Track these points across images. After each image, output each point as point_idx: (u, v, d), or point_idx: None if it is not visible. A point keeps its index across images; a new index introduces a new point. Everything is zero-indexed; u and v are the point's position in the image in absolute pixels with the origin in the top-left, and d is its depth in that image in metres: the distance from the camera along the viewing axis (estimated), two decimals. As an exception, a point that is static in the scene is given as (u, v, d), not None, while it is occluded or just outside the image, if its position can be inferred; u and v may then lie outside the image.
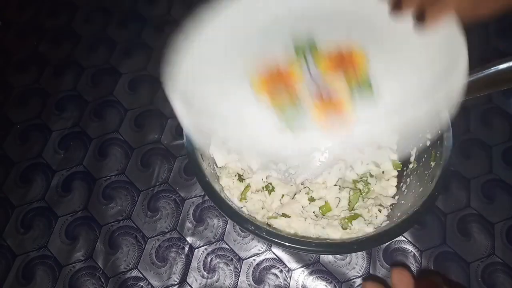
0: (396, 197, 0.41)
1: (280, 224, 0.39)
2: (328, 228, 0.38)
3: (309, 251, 0.33)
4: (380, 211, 0.40)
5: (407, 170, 0.42)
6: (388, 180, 0.43)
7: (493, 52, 0.58)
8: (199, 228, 0.47)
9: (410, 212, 0.35)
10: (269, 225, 0.39)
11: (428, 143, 0.40)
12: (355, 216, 0.39)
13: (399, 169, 0.43)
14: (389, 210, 0.40)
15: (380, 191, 0.43)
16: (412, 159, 0.42)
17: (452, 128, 0.37)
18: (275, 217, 0.39)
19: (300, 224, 0.39)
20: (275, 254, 0.46)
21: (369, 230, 0.38)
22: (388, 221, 0.39)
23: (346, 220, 0.39)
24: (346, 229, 0.39)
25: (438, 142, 0.38)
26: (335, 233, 0.38)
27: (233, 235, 0.47)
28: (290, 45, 0.34)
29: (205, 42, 0.34)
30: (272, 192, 0.41)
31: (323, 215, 0.40)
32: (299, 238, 0.35)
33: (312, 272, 0.45)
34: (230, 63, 0.34)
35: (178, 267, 0.45)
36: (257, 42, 0.34)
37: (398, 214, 0.38)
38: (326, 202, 0.40)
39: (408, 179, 0.42)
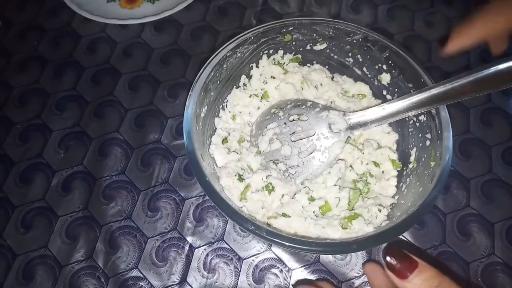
0: (396, 197, 0.41)
1: (280, 224, 0.39)
2: (328, 228, 0.38)
3: (309, 250, 0.33)
4: (380, 211, 0.40)
5: (407, 170, 0.42)
6: (388, 180, 0.43)
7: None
8: (199, 228, 0.47)
9: (410, 211, 0.35)
10: (269, 225, 0.39)
11: (428, 142, 0.40)
12: (355, 216, 0.39)
13: (399, 169, 0.43)
14: (389, 209, 0.40)
15: (380, 190, 0.43)
16: (412, 159, 0.42)
17: (452, 127, 0.38)
18: (275, 217, 0.39)
19: (300, 224, 0.39)
20: (275, 254, 0.46)
21: (369, 229, 0.38)
22: (388, 221, 0.39)
23: (346, 220, 0.39)
24: (346, 228, 0.39)
25: (438, 141, 0.38)
26: (335, 233, 0.38)
27: (233, 235, 0.47)
28: None
29: None
30: (272, 192, 0.41)
31: (323, 214, 0.40)
32: (299, 238, 0.35)
33: (312, 272, 0.45)
34: None
35: (178, 267, 0.45)
36: None
37: (398, 214, 0.38)
38: (326, 201, 0.41)
39: (408, 179, 0.42)
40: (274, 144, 0.43)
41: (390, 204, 0.41)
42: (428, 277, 0.28)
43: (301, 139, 0.43)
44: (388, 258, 0.29)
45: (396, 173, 0.43)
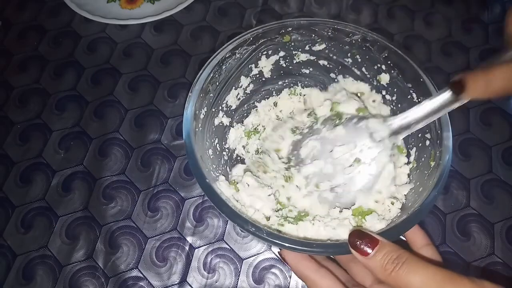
0: (411, 185, 0.41)
1: (289, 228, 0.39)
2: (339, 229, 0.38)
3: (311, 252, 0.33)
4: (393, 204, 0.39)
5: (408, 169, 0.42)
6: (400, 167, 0.43)
7: (493, 52, 0.58)
8: (199, 228, 0.47)
9: (410, 212, 0.35)
10: (279, 231, 0.38)
11: (427, 142, 0.40)
12: (369, 212, 0.39)
13: (406, 155, 0.43)
14: (403, 202, 0.39)
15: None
16: (411, 158, 0.42)
17: (452, 127, 0.37)
18: (282, 224, 0.39)
19: (309, 227, 0.38)
20: (275, 254, 0.46)
21: (381, 226, 0.37)
22: (401, 213, 0.38)
23: (360, 217, 0.39)
24: (359, 226, 0.38)
25: (438, 141, 0.38)
26: (346, 233, 0.37)
27: (233, 235, 0.47)
28: None
29: None
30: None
31: (354, 216, 0.39)
32: (301, 239, 0.35)
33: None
34: None
35: (178, 267, 0.45)
36: None
37: (399, 214, 0.38)
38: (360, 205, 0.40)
39: (408, 178, 0.42)
40: (316, 164, 0.41)
41: (406, 194, 0.40)
42: (388, 252, 0.28)
43: (343, 154, 0.40)
44: (351, 238, 0.30)
45: (406, 160, 0.43)
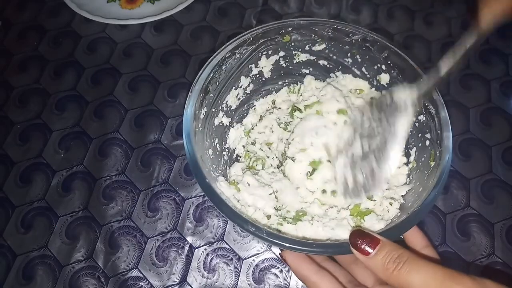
0: (409, 186, 0.41)
1: (288, 229, 0.39)
2: (337, 229, 0.38)
3: (310, 252, 0.33)
4: (391, 204, 0.39)
5: (407, 170, 0.42)
6: (399, 168, 0.43)
7: (493, 52, 0.58)
8: (199, 228, 0.47)
9: (410, 212, 0.35)
10: (279, 230, 0.39)
11: (427, 142, 0.40)
12: (367, 212, 0.39)
13: (405, 155, 0.43)
14: (401, 202, 0.40)
15: (391, 180, 0.42)
16: (411, 159, 0.42)
17: (452, 127, 0.37)
18: (281, 224, 0.39)
19: (307, 227, 0.38)
20: (275, 254, 0.46)
21: (380, 226, 0.37)
22: (400, 213, 0.38)
23: (359, 217, 0.39)
24: (358, 226, 0.38)
25: (438, 141, 0.38)
26: (345, 233, 0.37)
27: (233, 235, 0.47)
28: None
29: None
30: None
31: (354, 216, 0.40)
32: (300, 239, 0.35)
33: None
34: None
35: (178, 267, 0.45)
36: None
37: (398, 214, 0.38)
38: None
39: (407, 179, 0.42)
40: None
41: (403, 195, 0.40)
42: (389, 251, 0.29)
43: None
44: (352, 238, 0.30)
45: (405, 159, 0.43)
